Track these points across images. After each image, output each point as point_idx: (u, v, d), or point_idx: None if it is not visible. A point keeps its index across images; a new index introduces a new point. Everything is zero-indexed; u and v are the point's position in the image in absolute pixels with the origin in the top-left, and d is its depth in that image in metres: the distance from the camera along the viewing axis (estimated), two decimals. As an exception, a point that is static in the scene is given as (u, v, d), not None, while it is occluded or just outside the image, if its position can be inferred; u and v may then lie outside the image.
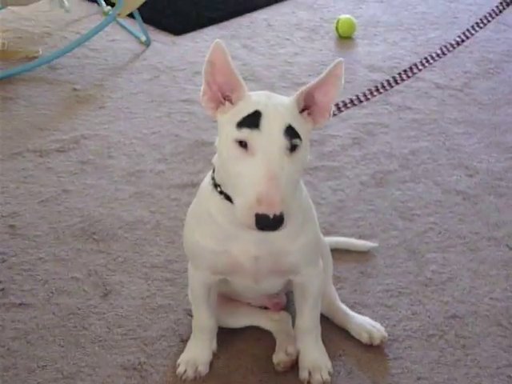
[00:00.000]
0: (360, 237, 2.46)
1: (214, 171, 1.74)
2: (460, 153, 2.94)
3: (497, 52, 3.78)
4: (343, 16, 3.92)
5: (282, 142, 1.54)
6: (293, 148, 1.56)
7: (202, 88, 1.64)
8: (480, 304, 2.20)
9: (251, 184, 1.52)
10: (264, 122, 1.55)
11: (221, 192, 1.70)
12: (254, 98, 1.60)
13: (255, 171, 1.52)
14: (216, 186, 1.71)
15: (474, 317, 2.16)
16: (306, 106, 1.64)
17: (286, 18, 4.16)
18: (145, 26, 3.81)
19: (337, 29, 3.90)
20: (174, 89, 3.38)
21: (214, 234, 1.76)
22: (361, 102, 2.23)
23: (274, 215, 1.50)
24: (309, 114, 1.65)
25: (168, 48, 3.77)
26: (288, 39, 3.91)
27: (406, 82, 3.41)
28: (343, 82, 1.63)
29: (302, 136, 1.58)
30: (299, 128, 1.58)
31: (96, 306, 2.17)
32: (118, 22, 3.91)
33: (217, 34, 3.85)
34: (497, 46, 3.84)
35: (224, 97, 1.62)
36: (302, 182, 1.77)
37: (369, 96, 2.22)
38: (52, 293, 2.21)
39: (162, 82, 3.44)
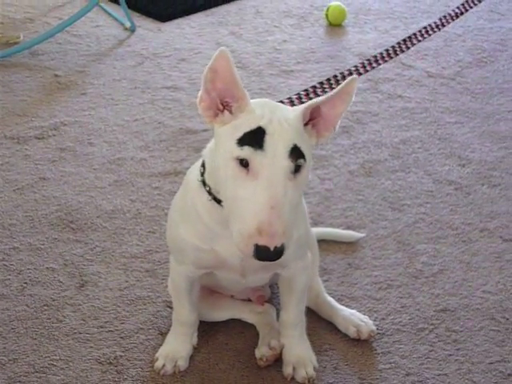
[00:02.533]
0: (348, 227, 2.37)
1: (203, 166, 1.62)
2: (452, 142, 2.86)
3: (490, 41, 3.69)
4: (333, 3, 3.83)
5: (286, 164, 1.43)
6: (296, 170, 1.45)
7: (199, 94, 1.50)
8: (472, 297, 2.12)
9: (252, 211, 1.41)
10: (268, 141, 1.43)
11: (209, 192, 1.59)
12: (257, 112, 1.47)
13: (257, 197, 1.41)
14: (204, 183, 1.61)
15: (466, 310, 2.08)
16: (311, 118, 1.52)
17: (275, 5, 4.06)
18: (130, 12, 3.71)
19: (327, 16, 3.81)
20: (158, 75, 3.29)
21: (199, 232, 1.66)
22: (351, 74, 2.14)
23: (275, 247, 1.41)
24: (313, 126, 1.53)
25: (153, 34, 3.67)
26: (277, 26, 3.81)
27: (396, 70, 3.33)
28: (353, 99, 1.51)
29: (306, 155, 1.46)
30: (304, 147, 1.46)
31: (71, 297, 2.08)
32: (102, 8, 3.81)
33: (204, 21, 3.76)
34: (490, 34, 3.76)
35: (223, 104, 1.49)
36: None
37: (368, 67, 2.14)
38: (26, 283, 2.12)
39: (146, 69, 3.34)
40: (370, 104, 3.11)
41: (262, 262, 1.58)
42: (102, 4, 3.66)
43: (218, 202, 1.58)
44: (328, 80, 2.09)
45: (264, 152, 1.42)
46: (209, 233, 1.65)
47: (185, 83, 3.20)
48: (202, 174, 1.62)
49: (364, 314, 2.01)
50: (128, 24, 3.68)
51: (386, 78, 3.29)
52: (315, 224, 2.34)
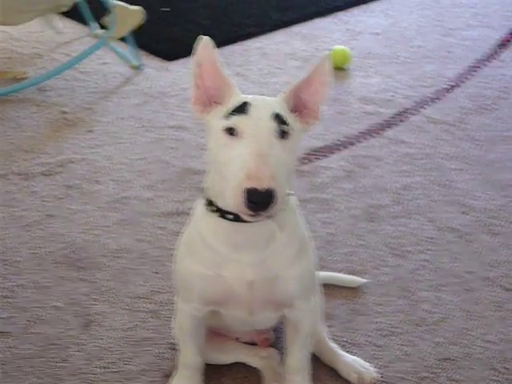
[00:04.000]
0: (350, 272, 2.39)
1: (206, 190, 1.65)
2: (453, 189, 2.89)
3: (493, 88, 3.74)
4: (337, 46, 3.89)
5: (270, 124, 1.51)
6: (282, 135, 1.52)
7: (191, 92, 1.60)
8: (473, 346, 2.14)
9: (240, 164, 1.47)
10: (252, 109, 1.52)
11: (213, 210, 1.62)
12: (243, 95, 1.58)
13: (244, 151, 1.48)
14: (209, 204, 1.64)
15: (467, 360, 2.09)
16: (295, 109, 1.60)
17: (280, 47, 4.12)
18: (137, 50, 3.76)
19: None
20: (163, 114, 3.33)
21: (206, 259, 1.68)
22: (359, 141, 2.18)
23: (265, 190, 1.43)
24: (298, 115, 1.60)
25: (160, 73, 3.72)
26: (281, 68, 3.86)
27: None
28: (331, 79, 1.60)
29: (291, 126, 1.54)
30: (288, 118, 1.55)
31: (76, 336, 2.09)
32: (110, 46, 3.86)
33: (209, 61, 3.80)
34: (493, 82, 3.81)
35: (213, 100, 1.59)
36: (296, 208, 1.72)
37: (367, 136, 2.18)
38: (31, 321, 2.13)
39: (152, 108, 3.38)
40: (373, 148, 3.14)
41: (266, 292, 1.66)
42: (109, 42, 3.71)
43: (223, 216, 1.61)
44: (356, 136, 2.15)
45: (248, 116, 1.51)
46: (215, 258, 1.67)
47: (190, 123, 3.24)
48: (205, 199, 1.65)
49: (366, 361, 2.02)
50: (135, 62, 3.73)
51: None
52: (318, 268, 2.36)
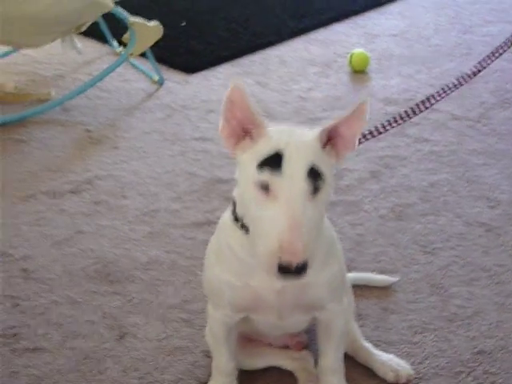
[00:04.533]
0: (381, 272, 2.39)
1: (234, 205, 1.67)
2: (481, 184, 2.88)
3: (513, 82, 3.74)
4: (356, 50, 3.90)
5: (304, 186, 1.48)
6: (316, 190, 1.50)
7: (220, 124, 1.57)
8: (508, 339, 2.13)
9: (273, 231, 1.46)
10: (286, 164, 1.48)
11: (242, 226, 1.63)
12: (275, 137, 1.53)
13: (277, 218, 1.46)
14: (237, 219, 1.65)
15: (502, 352, 2.08)
16: (330, 138, 1.57)
17: (299, 54, 4.13)
18: (157, 65, 3.79)
19: (350, 63, 3.87)
20: (187, 127, 3.35)
21: (234, 268, 1.70)
22: (380, 133, 2.17)
23: (297, 264, 1.45)
24: (332, 146, 1.58)
25: (181, 87, 3.75)
26: (301, 75, 3.87)
27: (422, 114, 3.35)
28: (368, 117, 1.55)
29: (325, 175, 1.51)
30: (323, 167, 1.52)
31: (111, 349, 2.11)
32: (131, 62, 3.90)
33: (229, 71, 3.84)
34: (513, 75, 3.80)
35: (244, 131, 1.55)
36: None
37: (387, 127, 2.17)
38: (66, 336, 2.16)
39: (175, 121, 3.41)
40: (398, 148, 3.14)
41: (295, 299, 1.66)
42: (130, 59, 3.74)
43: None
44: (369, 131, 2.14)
45: (282, 174, 1.48)
46: (243, 268, 1.68)
47: (213, 134, 3.26)
48: (234, 211, 1.66)
49: (401, 359, 2.02)
50: (156, 77, 3.76)
51: (412, 122, 3.31)
52: (348, 269, 2.35)
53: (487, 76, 3.76)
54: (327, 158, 1.56)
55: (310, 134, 1.55)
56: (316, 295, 1.74)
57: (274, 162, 1.49)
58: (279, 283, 1.65)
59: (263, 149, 1.52)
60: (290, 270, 1.45)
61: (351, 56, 3.87)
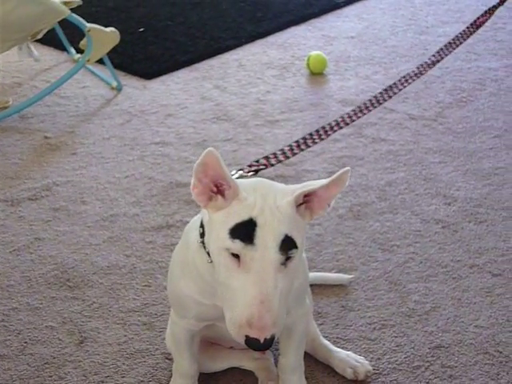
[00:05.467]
0: (340, 270, 2.42)
1: (202, 229, 1.59)
2: (437, 182, 2.92)
3: (469, 81, 3.79)
4: (314, 52, 3.93)
5: (277, 258, 1.44)
6: (288, 259, 1.46)
7: (192, 181, 1.50)
8: (465, 333, 2.16)
9: (243, 303, 1.44)
10: (259, 234, 1.44)
11: (209, 254, 1.56)
12: (249, 200, 1.47)
13: (247, 291, 1.43)
14: (204, 245, 1.59)
15: (460, 346, 2.11)
16: (305, 199, 1.52)
17: (257, 58, 4.15)
18: (115, 71, 3.79)
19: (308, 65, 3.90)
20: (146, 132, 3.35)
21: (201, 288, 1.68)
22: (334, 130, 2.18)
23: (265, 339, 1.44)
24: (306, 206, 1.53)
25: (139, 92, 3.75)
26: (260, 78, 3.89)
27: (379, 115, 3.40)
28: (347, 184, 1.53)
29: (298, 243, 1.47)
30: (296, 233, 1.47)
31: (71, 354, 2.11)
32: (89, 69, 3.89)
33: (188, 76, 3.84)
34: (468, 74, 3.85)
35: (217, 186, 1.48)
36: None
37: (342, 125, 2.18)
38: (26, 343, 2.15)
39: (134, 126, 3.41)
40: (355, 148, 3.17)
41: None
42: (88, 65, 3.74)
43: None
44: (317, 131, 2.13)
45: (255, 246, 1.43)
46: (210, 289, 1.65)
47: (173, 138, 3.26)
48: (202, 235, 1.60)
49: (360, 355, 2.04)
50: (114, 83, 3.76)
51: (369, 123, 3.36)
52: (308, 269, 2.38)
53: (443, 76, 3.83)
54: (301, 220, 1.51)
55: (285, 197, 1.49)
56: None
57: (246, 231, 1.45)
58: None
59: (236, 212, 1.47)
60: (257, 345, 1.44)
61: (308, 58, 3.90)
